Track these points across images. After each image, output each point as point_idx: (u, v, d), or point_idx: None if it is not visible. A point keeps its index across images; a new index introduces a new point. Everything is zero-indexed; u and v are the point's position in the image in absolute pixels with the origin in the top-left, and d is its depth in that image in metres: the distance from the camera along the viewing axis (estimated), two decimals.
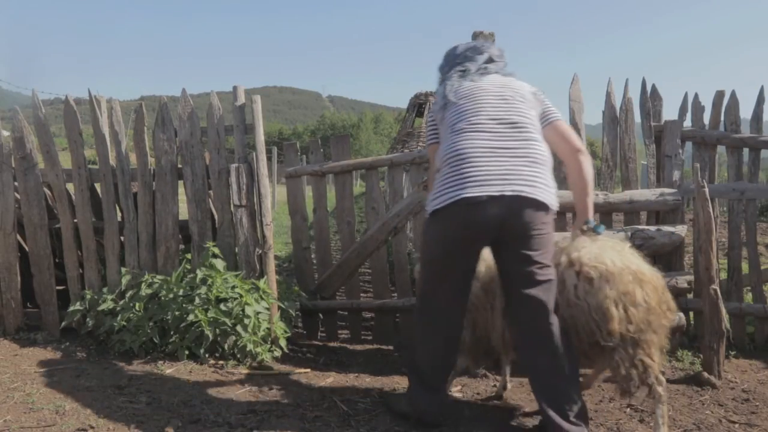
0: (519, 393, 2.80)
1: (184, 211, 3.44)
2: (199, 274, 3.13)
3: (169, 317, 3.05)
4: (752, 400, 2.71)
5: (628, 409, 2.59)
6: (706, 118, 3.58)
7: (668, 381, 2.93)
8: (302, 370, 3.05)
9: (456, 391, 2.80)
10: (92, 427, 2.26)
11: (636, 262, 2.21)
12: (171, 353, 3.08)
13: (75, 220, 3.49)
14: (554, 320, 2.20)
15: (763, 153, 3.63)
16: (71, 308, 3.36)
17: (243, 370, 2.98)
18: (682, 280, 3.25)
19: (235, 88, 3.40)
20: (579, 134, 2.37)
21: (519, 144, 2.25)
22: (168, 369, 2.95)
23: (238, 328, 3.01)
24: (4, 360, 3.07)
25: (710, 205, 2.99)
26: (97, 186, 3.57)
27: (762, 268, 3.57)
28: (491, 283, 2.43)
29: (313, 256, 3.71)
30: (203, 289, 3.06)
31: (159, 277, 3.28)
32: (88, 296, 3.36)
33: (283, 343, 3.21)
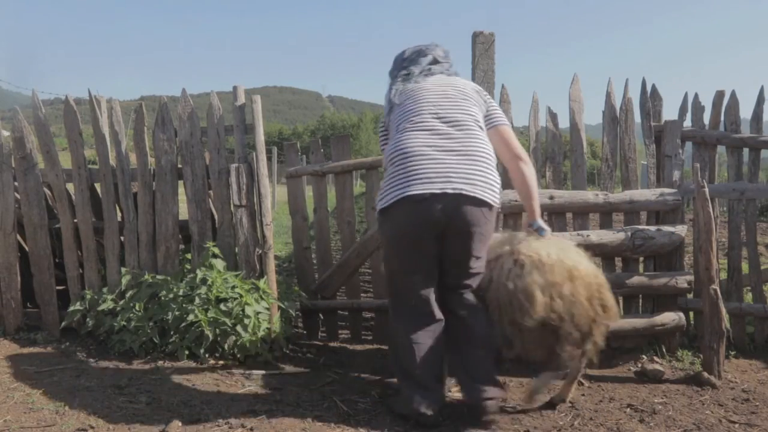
0: (519, 393, 2.80)
1: (184, 211, 3.44)
2: (199, 274, 3.13)
3: (169, 317, 3.05)
4: (752, 400, 2.70)
5: (628, 409, 2.59)
6: (706, 118, 3.58)
7: (668, 381, 2.94)
8: (302, 370, 3.05)
9: (456, 390, 2.80)
10: (92, 427, 2.26)
11: (574, 260, 2.34)
12: (171, 353, 3.07)
13: (75, 220, 3.49)
14: (478, 304, 2.41)
15: (763, 153, 3.63)
16: (71, 308, 3.36)
17: (243, 370, 2.98)
18: (682, 280, 3.26)
19: (235, 88, 3.40)
20: (517, 143, 2.58)
21: (461, 141, 2.35)
22: (168, 369, 2.95)
23: (238, 328, 3.01)
24: (4, 360, 3.07)
25: (710, 205, 2.99)
26: (97, 186, 3.57)
27: (762, 268, 3.57)
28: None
29: (313, 256, 3.71)
30: (203, 289, 3.06)
31: (159, 277, 3.28)
32: (88, 296, 3.36)
33: (283, 343, 3.21)
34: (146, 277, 3.27)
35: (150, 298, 3.19)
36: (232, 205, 3.35)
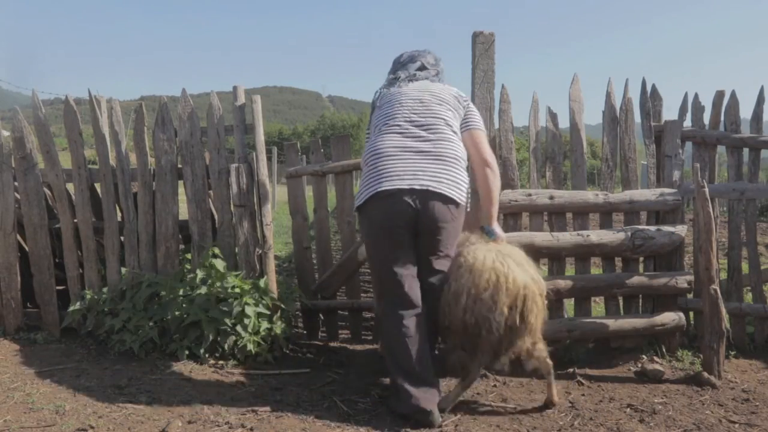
0: (519, 393, 2.80)
1: (184, 211, 3.44)
2: (199, 274, 3.13)
3: (169, 317, 3.05)
4: (752, 400, 2.71)
5: (628, 409, 2.59)
6: (706, 118, 3.58)
7: (668, 381, 2.94)
8: (302, 370, 3.05)
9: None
10: (92, 427, 2.26)
11: (509, 267, 2.39)
12: (171, 353, 3.07)
13: (75, 220, 3.49)
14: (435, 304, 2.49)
15: (763, 153, 3.63)
16: (71, 308, 3.36)
17: (243, 370, 2.98)
18: (682, 280, 3.26)
19: (235, 88, 3.40)
20: (488, 148, 2.70)
21: (431, 143, 2.52)
22: (168, 369, 2.94)
23: (238, 328, 3.01)
24: (4, 360, 3.07)
25: (710, 205, 2.99)
26: (97, 186, 3.57)
27: (762, 268, 3.57)
28: None
29: (313, 256, 3.71)
30: (203, 289, 3.06)
31: (159, 277, 3.27)
32: (88, 296, 3.36)
33: (283, 343, 3.21)
34: (146, 277, 3.27)
35: (150, 298, 3.19)
36: (232, 205, 3.35)
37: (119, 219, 3.50)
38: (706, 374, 2.91)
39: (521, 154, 11.80)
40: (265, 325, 3.08)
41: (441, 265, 2.52)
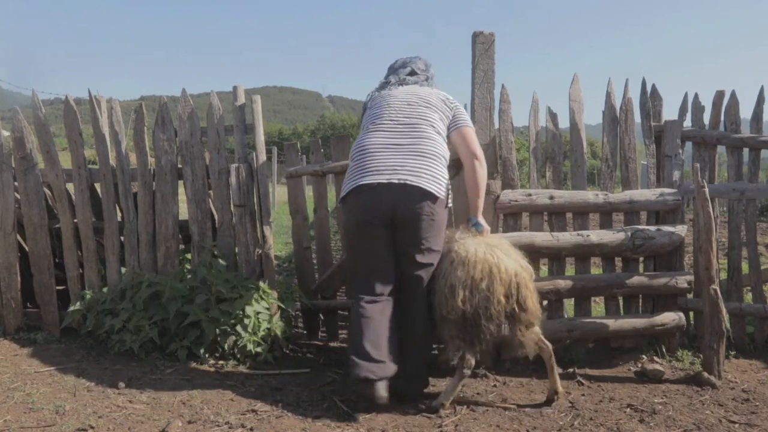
0: (519, 393, 2.80)
1: (184, 211, 3.44)
2: (199, 274, 3.13)
3: (169, 317, 3.05)
4: (752, 400, 2.71)
5: (628, 409, 2.59)
6: (706, 118, 3.58)
7: (668, 381, 2.94)
8: (302, 370, 3.05)
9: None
10: (92, 427, 2.27)
11: (499, 257, 2.50)
12: (171, 353, 3.07)
13: (75, 220, 3.49)
14: (425, 299, 2.58)
15: (763, 153, 3.63)
16: (71, 308, 3.36)
17: (243, 370, 2.98)
18: (682, 280, 3.26)
19: (235, 88, 3.40)
20: (477, 144, 2.79)
21: (411, 141, 2.63)
22: (168, 369, 2.95)
23: (238, 328, 3.01)
24: (4, 360, 3.07)
25: (710, 205, 2.99)
26: (97, 186, 3.57)
27: (762, 268, 3.57)
28: None
29: (313, 256, 3.71)
30: (203, 289, 3.06)
31: (159, 277, 3.27)
32: (88, 296, 3.36)
33: (283, 343, 3.21)
34: (146, 277, 3.27)
35: (150, 298, 3.18)
36: (232, 205, 3.35)
37: (119, 219, 3.50)
38: (706, 374, 2.91)
39: (521, 154, 11.79)
40: (265, 325, 3.09)
41: (424, 258, 2.57)
